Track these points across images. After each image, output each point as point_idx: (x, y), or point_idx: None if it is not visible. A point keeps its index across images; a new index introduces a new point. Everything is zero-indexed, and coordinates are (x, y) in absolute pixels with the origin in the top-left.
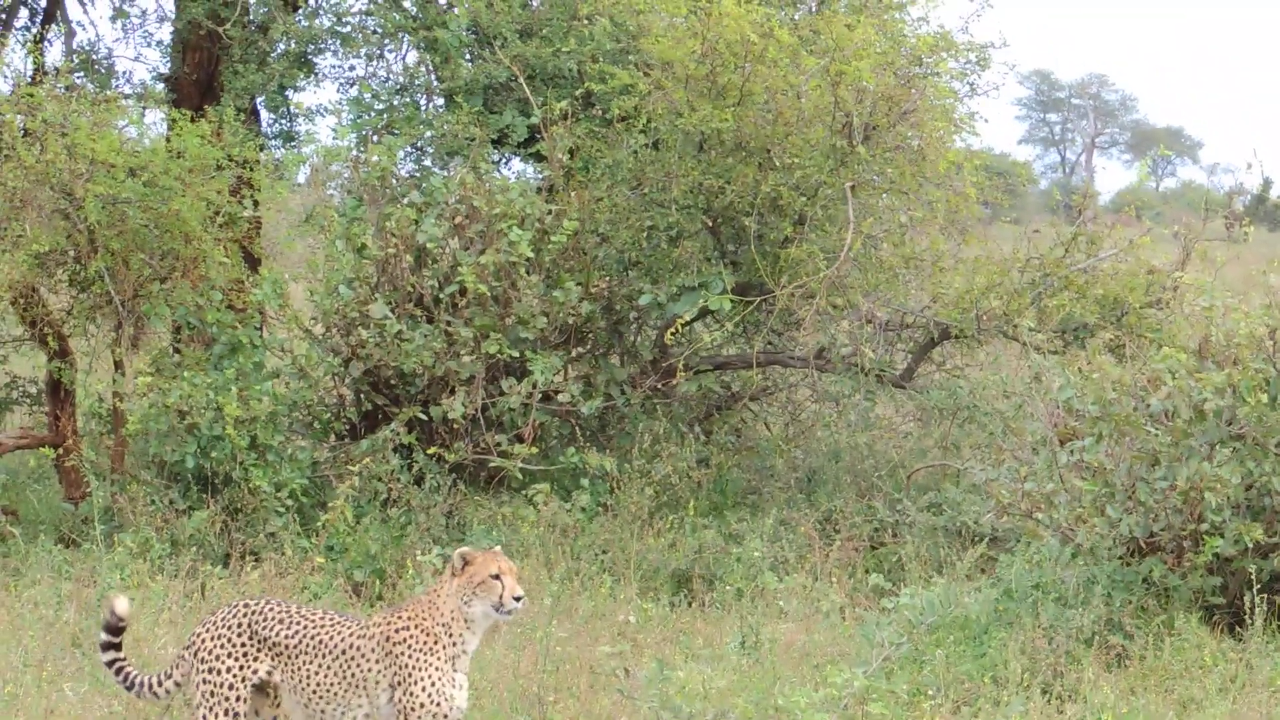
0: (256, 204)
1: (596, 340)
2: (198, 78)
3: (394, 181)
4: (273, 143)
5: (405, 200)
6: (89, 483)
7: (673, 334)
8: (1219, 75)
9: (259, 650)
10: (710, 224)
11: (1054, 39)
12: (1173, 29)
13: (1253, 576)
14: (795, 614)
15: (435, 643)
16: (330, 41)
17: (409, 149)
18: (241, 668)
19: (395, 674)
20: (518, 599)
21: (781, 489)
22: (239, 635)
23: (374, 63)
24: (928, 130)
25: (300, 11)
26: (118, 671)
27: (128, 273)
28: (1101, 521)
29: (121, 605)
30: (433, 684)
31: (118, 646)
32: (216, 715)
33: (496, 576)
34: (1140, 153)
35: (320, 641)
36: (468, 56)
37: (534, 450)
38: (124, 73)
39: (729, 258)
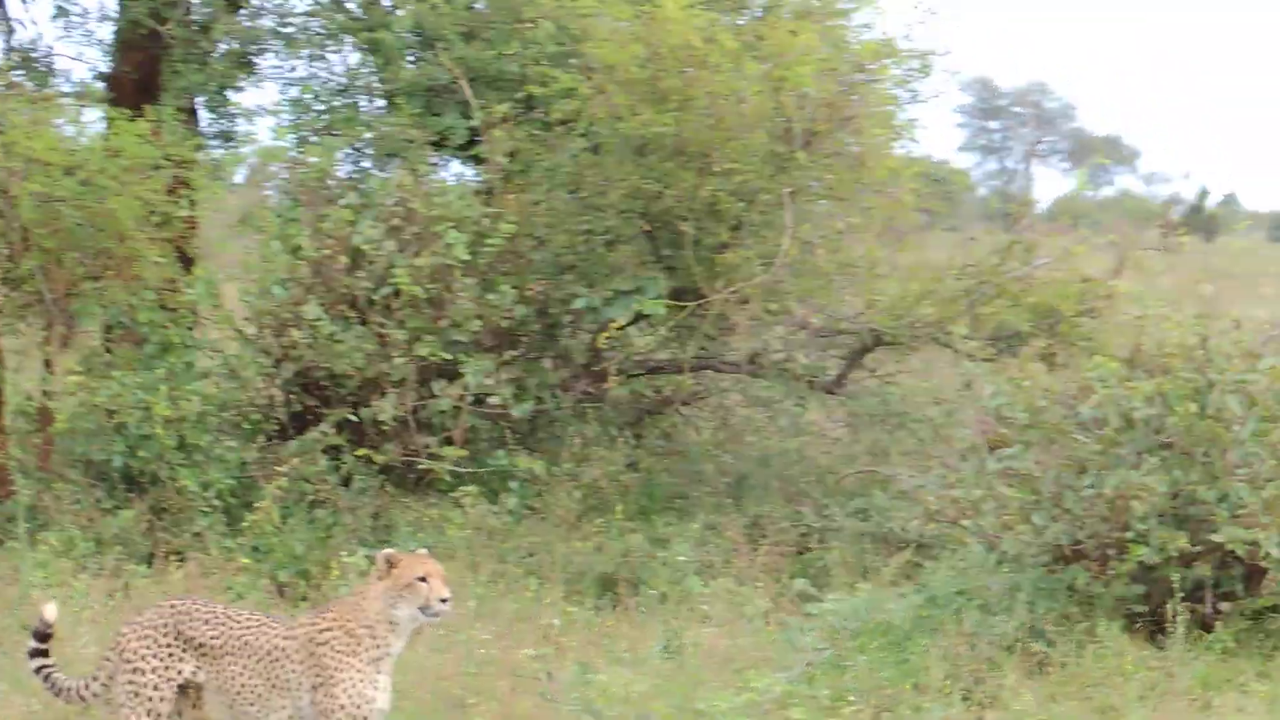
0: (193, 203)
1: (530, 343)
2: (138, 77)
3: (331, 183)
4: (211, 142)
5: (342, 201)
6: (14, 481)
7: (606, 338)
8: (1177, 81)
9: (184, 651)
10: (647, 228)
11: (1003, 44)
12: (1119, 34)
13: (1175, 585)
14: (719, 619)
15: (358, 644)
16: (272, 42)
17: (348, 150)
18: (166, 668)
19: (317, 675)
20: (444, 601)
21: (710, 494)
22: (164, 636)
23: (316, 63)
24: (867, 137)
25: (243, 11)
26: (46, 678)
27: (60, 271)
28: (1027, 529)
29: (50, 612)
30: (353, 685)
31: (46, 653)
32: (139, 716)
33: (423, 579)
34: (1079, 161)
35: (245, 643)
36: (410, 58)
37: (463, 453)
38: (64, 71)
39: (665, 262)
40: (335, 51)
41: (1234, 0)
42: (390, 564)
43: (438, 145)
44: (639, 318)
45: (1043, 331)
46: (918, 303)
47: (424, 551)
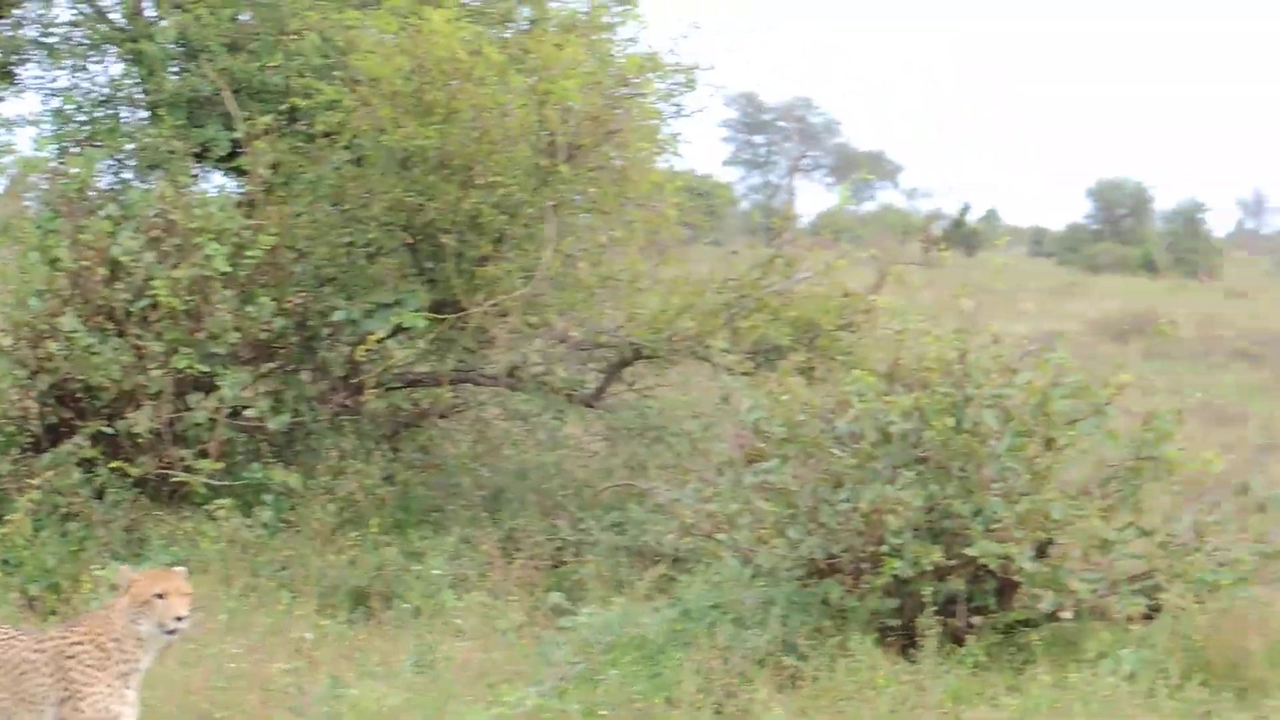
0: None
1: (288, 356)
2: None
3: (92, 194)
4: None
5: (102, 213)
6: None
7: (365, 351)
8: (946, 93)
9: None
10: (409, 241)
11: (771, 57)
12: (891, 45)
13: (928, 599)
14: (472, 632)
15: (107, 658)
16: (34, 52)
17: (110, 161)
18: None
19: (65, 688)
20: (180, 619)
21: (466, 507)
22: None
23: (78, 74)
24: (631, 150)
25: (4, 21)
26: None
27: None
28: (782, 543)
29: None
30: (100, 699)
31: None
32: None
33: (160, 596)
34: (842, 176)
35: None
36: (174, 69)
37: (219, 465)
38: None
39: (426, 275)
40: (98, 62)
41: (1013, 10)
42: (130, 581)
43: (200, 157)
44: (398, 330)
45: (802, 345)
46: (678, 316)
47: (176, 568)
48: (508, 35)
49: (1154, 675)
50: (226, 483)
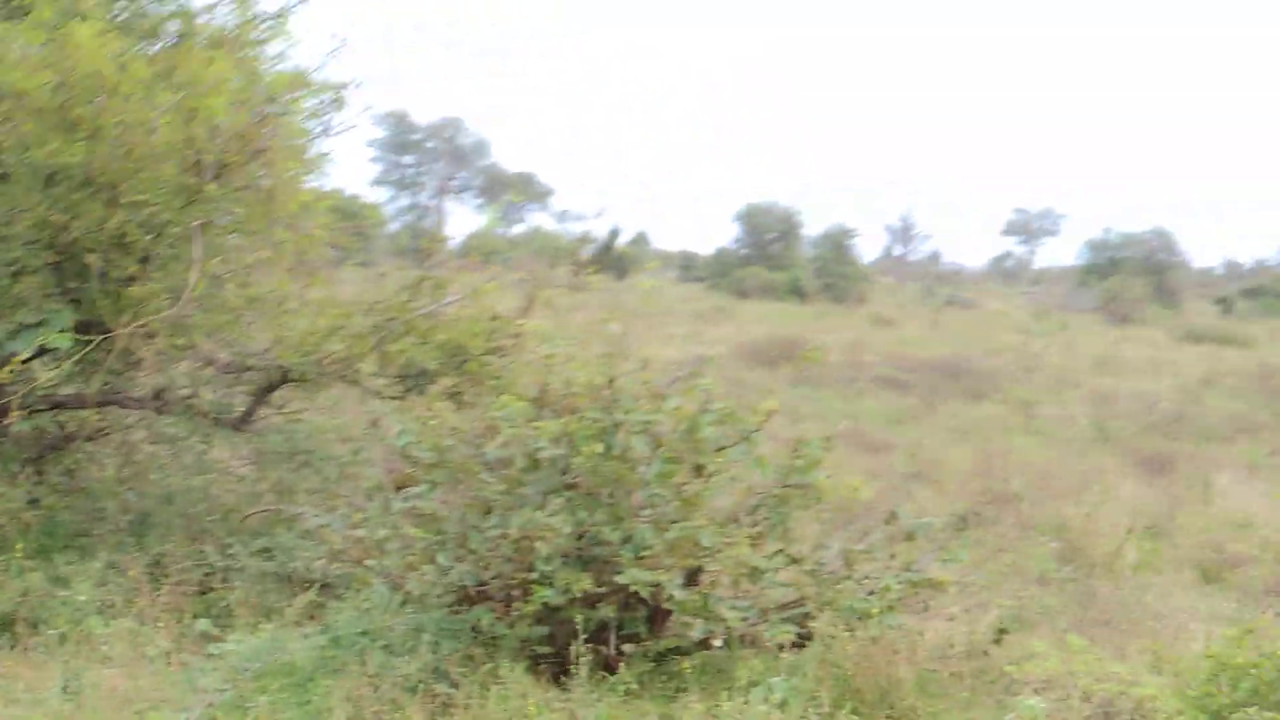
0: None
1: None
2: None
3: None
4: None
5: None
6: None
7: (9, 372)
8: (646, 114)
9: None
10: (54, 260)
11: (423, 77)
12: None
13: (579, 626)
14: (120, 659)
15: None
16: None
17: None
18: None
19: None
20: None
21: (112, 531)
22: None
23: None
24: (279, 170)
25: None
26: None
27: None
28: (432, 569)
29: None
30: None
31: None
32: None
33: None
34: (492, 197)
35: None
36: None
37: None
38: None
39: (71, 295)
40: None
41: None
42: None
43: None
44: (43, 351)
45: (451, 370)
46: (326, 339)
47: None
48: (155, 50)
49: (805, 703)
50: None
